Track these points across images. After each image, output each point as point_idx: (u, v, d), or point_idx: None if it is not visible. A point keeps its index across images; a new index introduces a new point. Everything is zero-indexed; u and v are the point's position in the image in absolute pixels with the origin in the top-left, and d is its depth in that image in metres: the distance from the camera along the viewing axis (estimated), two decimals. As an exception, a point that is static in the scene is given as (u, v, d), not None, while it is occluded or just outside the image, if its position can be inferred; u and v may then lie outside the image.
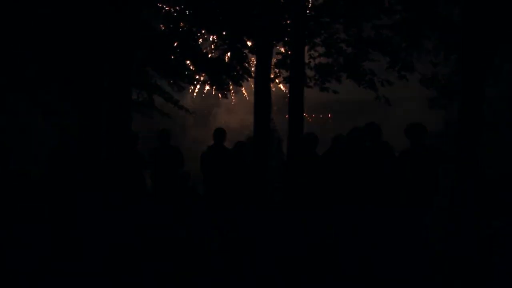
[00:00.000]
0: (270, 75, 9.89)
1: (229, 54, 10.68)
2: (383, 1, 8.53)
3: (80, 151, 7.21)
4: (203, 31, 10.41)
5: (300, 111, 9.19)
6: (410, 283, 4.53)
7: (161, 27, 10.05)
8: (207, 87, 20.68)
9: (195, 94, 29.38)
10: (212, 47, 11.21)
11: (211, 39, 11.18)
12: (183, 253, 5.41)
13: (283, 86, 20.63)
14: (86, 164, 6.97)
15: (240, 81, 11.17)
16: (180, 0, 9.62)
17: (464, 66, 7.29)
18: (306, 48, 9.78)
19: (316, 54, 10.16)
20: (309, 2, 9.21)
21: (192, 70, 11.04)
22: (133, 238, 5.44)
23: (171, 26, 9.86)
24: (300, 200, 5.97)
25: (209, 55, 10.81)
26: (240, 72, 10.87)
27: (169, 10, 9.82)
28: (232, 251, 5.50)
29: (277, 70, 10.72)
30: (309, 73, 10.32)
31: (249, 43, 10.33)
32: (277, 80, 11.10)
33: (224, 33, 9.99)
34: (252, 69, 10.53)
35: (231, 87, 11.77)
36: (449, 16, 7.78)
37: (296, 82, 9.10)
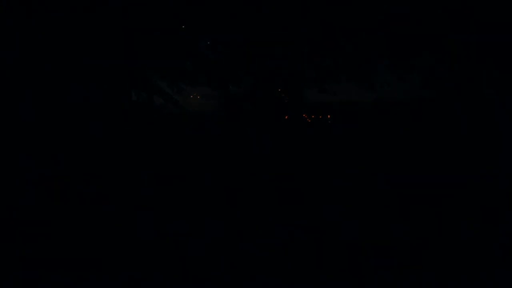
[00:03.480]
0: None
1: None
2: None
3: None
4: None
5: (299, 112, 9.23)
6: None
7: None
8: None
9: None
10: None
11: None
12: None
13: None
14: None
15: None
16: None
17: (464, 66, 7.33)
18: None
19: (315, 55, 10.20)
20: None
21: (192, 71, 11.07)
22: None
23: (171, 27, 9.88)
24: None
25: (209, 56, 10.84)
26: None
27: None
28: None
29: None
30: (308, 73, 10.36)
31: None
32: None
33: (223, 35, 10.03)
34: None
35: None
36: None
37: (295, 83, 9.14)
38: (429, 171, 7.48)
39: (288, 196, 6.38)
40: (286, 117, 10.25)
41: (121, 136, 8.10)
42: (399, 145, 9.00)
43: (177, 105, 11.61)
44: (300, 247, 4.81)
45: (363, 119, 10.52)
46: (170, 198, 6.29)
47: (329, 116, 13.03)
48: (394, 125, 10.15)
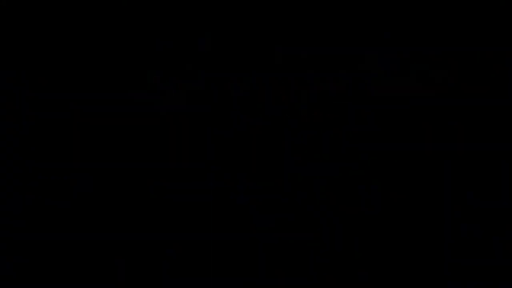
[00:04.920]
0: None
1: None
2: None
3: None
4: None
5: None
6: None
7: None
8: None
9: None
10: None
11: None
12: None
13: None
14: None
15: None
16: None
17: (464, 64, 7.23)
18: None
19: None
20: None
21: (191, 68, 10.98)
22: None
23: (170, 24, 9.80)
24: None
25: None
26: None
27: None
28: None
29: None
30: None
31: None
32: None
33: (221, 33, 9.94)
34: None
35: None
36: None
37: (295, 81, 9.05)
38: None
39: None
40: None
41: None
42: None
43: (175, 103, 11.52)
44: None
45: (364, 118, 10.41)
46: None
47: (328, 116, 12.99)
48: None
